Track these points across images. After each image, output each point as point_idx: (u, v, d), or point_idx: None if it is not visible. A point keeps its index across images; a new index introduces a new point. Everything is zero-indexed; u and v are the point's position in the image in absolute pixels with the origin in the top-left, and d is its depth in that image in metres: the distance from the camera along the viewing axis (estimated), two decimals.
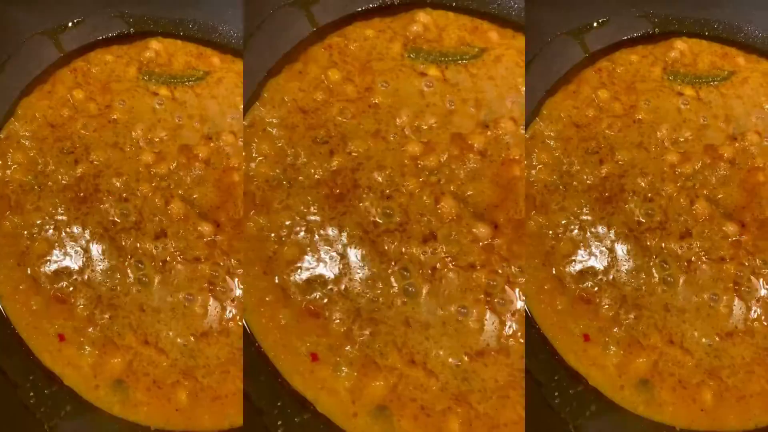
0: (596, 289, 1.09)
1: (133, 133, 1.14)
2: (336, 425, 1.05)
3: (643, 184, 1.11)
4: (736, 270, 1.08)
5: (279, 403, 1.05)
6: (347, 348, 1.06)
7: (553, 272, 1.10)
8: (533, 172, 1.12)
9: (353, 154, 1.11)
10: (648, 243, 1.09)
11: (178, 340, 1.09)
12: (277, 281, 1.09)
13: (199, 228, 1.11)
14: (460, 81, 1.13)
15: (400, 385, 1.06)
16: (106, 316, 1.10)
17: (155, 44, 1.17)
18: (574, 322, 1.09)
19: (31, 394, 1.08)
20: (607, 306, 1.09)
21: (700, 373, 1.07)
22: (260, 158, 1.11)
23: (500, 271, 1.08)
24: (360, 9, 1.17)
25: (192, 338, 1.09)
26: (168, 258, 1.10)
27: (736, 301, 1.08)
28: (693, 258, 1.09)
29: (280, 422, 1.06)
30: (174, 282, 1.10)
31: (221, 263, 1.10)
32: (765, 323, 1.08)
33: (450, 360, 1.06)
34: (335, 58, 1.14)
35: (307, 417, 1.05)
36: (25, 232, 1.12)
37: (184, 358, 1.09)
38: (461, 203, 1.09)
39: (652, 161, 1.11)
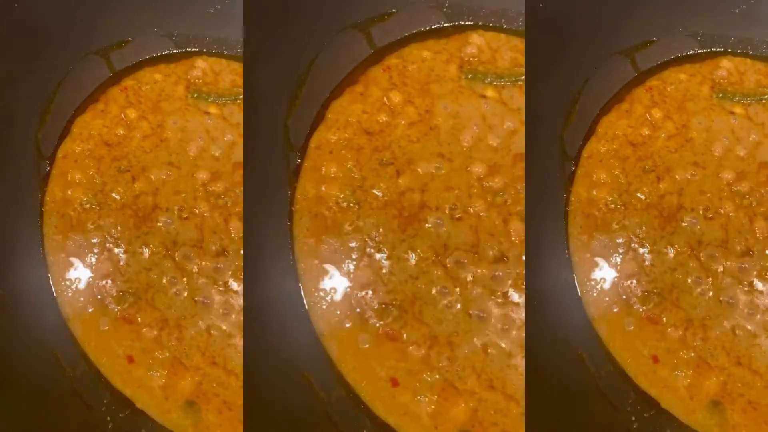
0: (661, 309, 1.09)
1: (189, 152, 1.13)
2: None
3: (701, 202, 1.11)
4: None
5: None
6: (426, 373, 1.06)
7: (622, 295, 1.10)
8: (594, 191, 1.12)
9: (420, 174, 1.10)
10: (710, 263, 1.09)
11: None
12: (353, 304, 1.08)
13: None
14: (520, 104, 1.13)
15: (481, 410, 1.05)
16: (174, 336, 1.09)
17: (201, 63, 1.17)
18: (643, 343, 1.09)
19: (108, 418, 1.07)
20: (673, 327, 1.09)
21: None
22: (329, 180, 1.11)
23: None
24: (417, 30, 1.16)
25: None
26: (230, 278, 1.09)
27: None
28: (755, 279, 1.09)
29: None
30: (238, 302, 1.09)
31: None
32: None
33: None
34: (395, 80, 1.14)
35: None
36: (88, 253, 1.11)
37: None
38: None
39: (708, 179, 1.12)
